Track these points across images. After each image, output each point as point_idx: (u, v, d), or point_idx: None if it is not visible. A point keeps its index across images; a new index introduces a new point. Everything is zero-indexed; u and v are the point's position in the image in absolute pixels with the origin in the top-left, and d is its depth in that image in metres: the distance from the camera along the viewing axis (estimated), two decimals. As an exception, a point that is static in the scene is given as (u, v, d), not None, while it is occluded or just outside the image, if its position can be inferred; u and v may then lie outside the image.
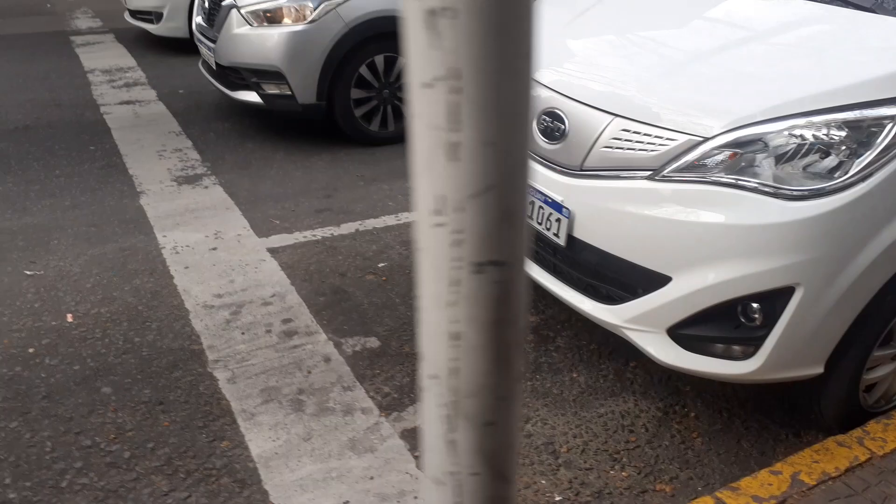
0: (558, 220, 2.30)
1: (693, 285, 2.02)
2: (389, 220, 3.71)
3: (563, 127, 2.30)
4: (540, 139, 2.39)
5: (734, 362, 2.08)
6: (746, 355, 2.07)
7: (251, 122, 5.09)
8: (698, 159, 2.00)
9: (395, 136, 4.71)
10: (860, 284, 1.95)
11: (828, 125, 1.90)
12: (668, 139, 2.04)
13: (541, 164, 2.38)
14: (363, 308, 2.98)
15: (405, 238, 3.53)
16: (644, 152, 2.08)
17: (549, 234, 2.34)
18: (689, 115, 2.03)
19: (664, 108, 2.09)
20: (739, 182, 1.95)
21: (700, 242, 2.00)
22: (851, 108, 1.88)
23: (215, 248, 3.39)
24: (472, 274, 0.68)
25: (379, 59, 4.49)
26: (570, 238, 2.28)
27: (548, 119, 2.35)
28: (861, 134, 1.88)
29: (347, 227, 3.64)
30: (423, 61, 0.61)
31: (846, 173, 1.87)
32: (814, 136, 1.91)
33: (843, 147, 1.89)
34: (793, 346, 2.01)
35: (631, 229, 2.12)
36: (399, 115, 4.69)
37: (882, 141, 1.86)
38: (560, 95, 2.33)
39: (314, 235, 3.56)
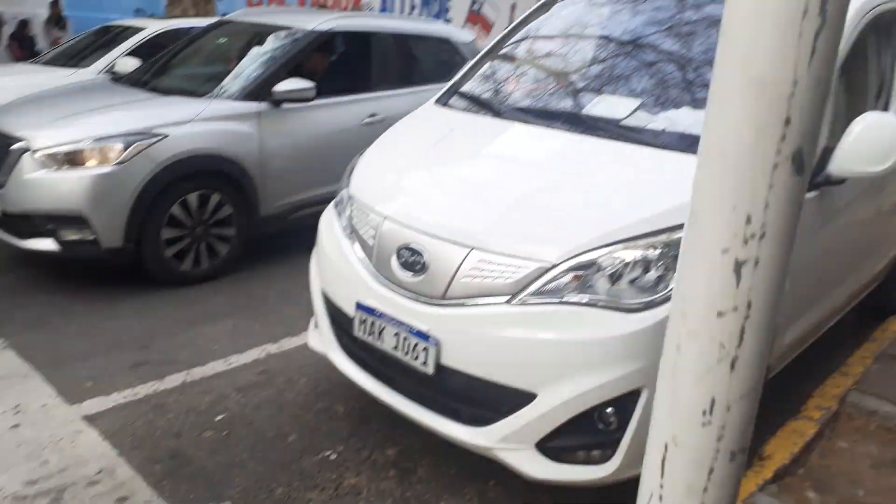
0: (425, 349, 2.36)
1: (556, 399, 2.16)
2: (219, 366, 3.50)
3: (422, 260, 2.40)
4: (401, 272, 2.47)
5: (596, 466, 2.23)
6: (605, 458, 2.22)
7: (41, 272, 4.60)
8: (547, 283, 2.20)
9: (208, 274, 4.53)
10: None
11: (646, 247, 2.20)
12: (520, 267, 2.23)
13: (404, 296, 2.46)
14: (208, 470, 2.74)
15: (240, 384, 3.34)
16: (501, 280, 2.25)
17: (417, 364, 2.39)
18: (537, 245, 2.25)
19: (515, 240, 2.29)
20: (584, 301, 2.17)
21: (558, 359, 2.16)
22: (663, 231, 2.20)
23: (17, 426, 2.95)
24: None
25: (192, 197, 4.36)
26: (439, 366, 2.34)
27: (407, 253, 2.45)
28: (673, 251, 2.20)
29: (173, 380, 3.37)
30: (722, 296, 0.91)
31: (668, 286, 2.17)
32: (637, 256, 2.19)
33: (661, 263, 2.20)
34: (643, 443, 2.21)
35: (496, 352, 2.24)
36: (213, 253, 4.54)
37: None
38: (418, 232, 2.45)
39: (136, 394, 3.24)
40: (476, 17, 24.05)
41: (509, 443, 2.27)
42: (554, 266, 2.20)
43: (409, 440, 2.95)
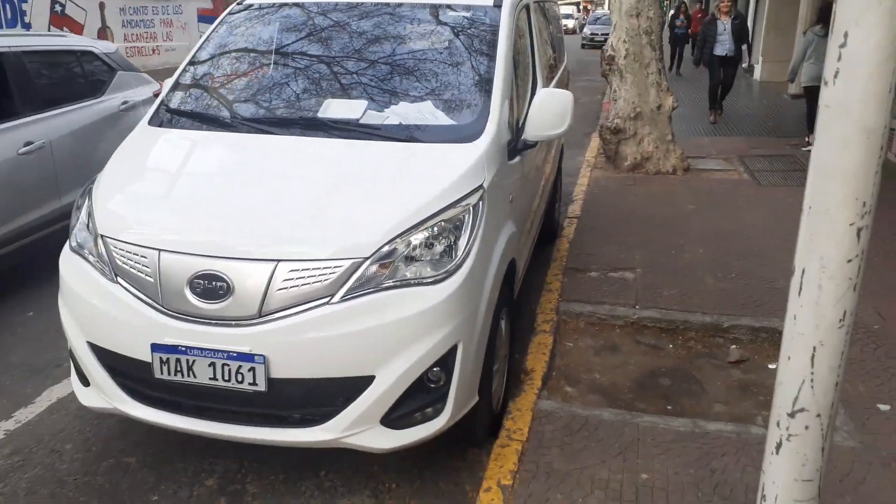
0: (251, 368, 2.36)
1: (393, 375, 2.39)
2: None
3: (224, 285, 2.37)
4: (198, 302, 2.40)
5: (432, 422, 2.54)
6: (438, 412, 2.55)
7: None
8: (361, 276, 2.39)
9: None
10: (485, 325, 2.66)
11: (429, 229, 2.52)
12: (336, 267, 2.37)
13: (208, 324, 2.40)
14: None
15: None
16: (319, 283, 2.36)
17: (244, 386, 2.38)
18: (344, 243, 2.41)
19: (321, 244, 2.41)
20: (395, 284, 2.42)
21: (388, 339, 2.39)
22: (438, 213, 2.53)
23: None
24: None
25: None
26: (270, 380, 2.38)
27: (203, 282, 2.39)
28: (453, 228, 2.56)
29: None
30: (850, 249, 1.37)
31: (456, 257, 2.53)
32: (424, 238, 2.50)
33: (443, 239, 2.54)
34: (465, 389, 2.59)
35: (328, 350, 2.36)
36: None
37: (466, 228, 2.59)
38: (214, 257, 2.39)
39: None
40: (61, 20, 21.44)
41: (356, 427, 2.43)
42: (366, 259, 2.40)
43: (223, 464, 2.90)
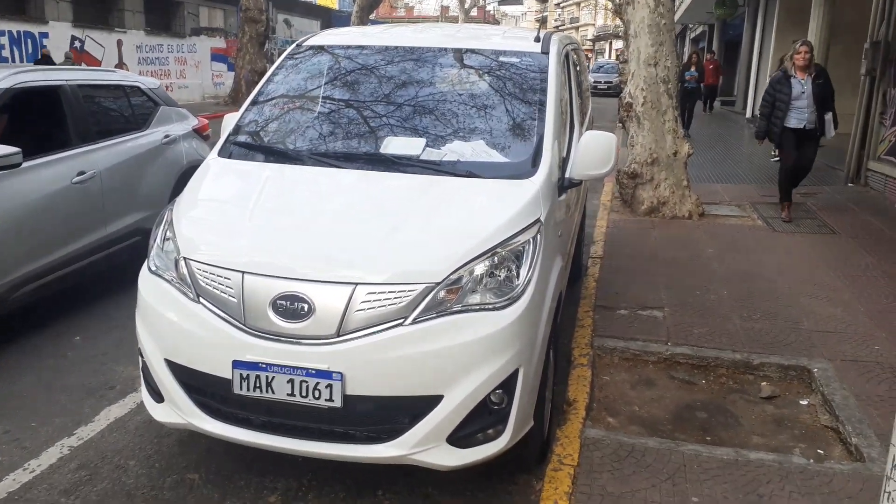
0: (329, 385, 2.50)
1: (461, 395, 2.53)
2: (22, 477, 3.01)
3: (306, 306, 2.53)
4: (279, 321, 2.55)
5: (494, 442, 2.67)
6: (498, 433, 2.68)
7: None
8: (431, 300, 2.55)
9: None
10: (542, 352, 2.81)
11: (492, 258, 2.69)
12: (408, 291, 2.53)
13: (287, 342, 2.55)
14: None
15: (63, 486, 2.95)
16: (393, 306, 2.52)
17: (321, 402, 2.51)
18: (416, 271, 2.58)
19: (395, 270, 2.58)
20: (462, 309, 2.58)
21: (456, 360, 2.53)
22: (499, 245, 2.70)
23: None
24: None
25: None
26: (346, 397, 2.52)
27: (286, 302, 2.55)
28: (514, 258, 2.74)
29: (-33, 511, 2.84)
30: None
31: (515, 285, 2.70)
32: (488, 267, 2.67)
33: (504, 268, 2.71)
34: (523, 412, 2.72)
35: (401, 370, 2.51)
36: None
37: (527, 258, 2.77)
38: (297, 280, 2.55)
39: (-71, 540, 2.67)
40: (80, 56, 22.03)
41: (423, 445, 2.57)
42: (437, 284, 2.56)
43: (284, 482, 3.02)
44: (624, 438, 3.18)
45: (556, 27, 73.26)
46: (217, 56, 27.23)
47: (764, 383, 3.89)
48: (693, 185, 8.16)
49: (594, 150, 3.39)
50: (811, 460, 3.09)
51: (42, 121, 5.02)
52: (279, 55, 4.85)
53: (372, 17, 30.04)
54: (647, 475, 2.89)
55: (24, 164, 4.32)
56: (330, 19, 36.72)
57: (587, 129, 5.32)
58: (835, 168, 10.89)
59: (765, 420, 3.56)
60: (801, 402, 3.71)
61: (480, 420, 2.63)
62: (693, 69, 15.98)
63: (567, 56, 4.28)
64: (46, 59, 19.00)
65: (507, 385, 2.63)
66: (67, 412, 3.58)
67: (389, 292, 2.54)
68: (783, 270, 5.74)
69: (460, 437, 2.60)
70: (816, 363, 3.90)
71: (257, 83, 3.86)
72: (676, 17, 18.98)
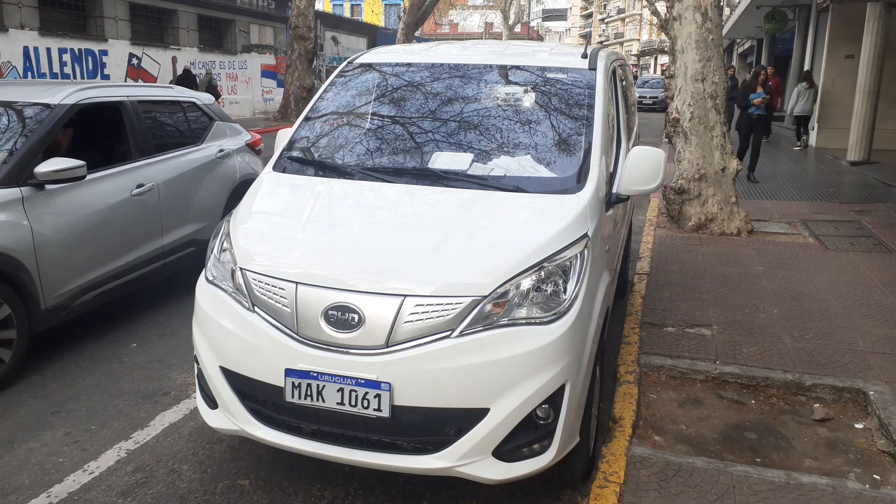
0: (377, 395, 2.55)
1: (507, 408, 2.55)
2: (82, 478, 3.14)
3: (356, 316, 2.59)
4: (331, 331, 2.61)
5: (540, 457, 2.68)
6: (544, 448, 2.69)
7: None
8: (478, 314, 2.58)
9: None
10: (588, 368, 2.81)
11: (539, 272, 2.71)
12: (456, 304, 2.57)
13: (338, 352, 2.61)
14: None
15: (121, 488, 3.06)
16: (441, 318, 2.56)
17: (369, 412, 2.56)
18: (466, 283, 2.61)
19: (443, 283, 2.62)
20: (509, 323, 2.60)
21: (503, 374, 2.55)
22: (545, 259, 2.72)
23: None
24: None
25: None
26: (394, 407, 2.56)
27: (337, 313, 2.61)
28: (561, 272, 2.75)
29: (31, 509, 2.96)
30: None
31: (562, 300, 2.71)
32: (535, 281, 2.69)
33: (551, 282, 2.72)
34: (569, 428, 2.72)
35: (448, 381, 2.54)
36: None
37: (574, 273, 2.78)
38: (348, 291, 2.62)
39: (-5, 536, 2.80)
40: (136, 72, 22.82)
41: (469, 457, 2.59)
42: (484, 297, 2.59)
43: (331, 490, 3.07)
44: (671, 457, 3.14)
45: (601, 42, 72.99)
46: (267, 72, 27.85)
47: (817, 405, 3.81)
48: (741, 201, 8.03)
49: (642, 166, 3.39)
50: (867, 485, 3.02)
51: (104, 135, 5.24)
52: (327, 72, 4.97)
53: (417, 34, 30.40)
54: (694, 495, 2.85)
55: (88, 177, 4.52)
56: (376, 36, 37.30)
57: (633, 145, 5.35)
58: (890, 185, 10.60)
59: (818, 443, 3.48)
60: (857, 426, 3.61)
61: (526, 434, 2.64)
62: (760, 89, 11.58)
63: (614, 72, 4.29)
64: (186, 75, 20.20)
65: (554, 400, 2.64)
66: (124, 416, 3.71)
67: (437, 305, 2.58)
68: (836, 289, 5.60)
69: (506, 450, 2.62)
70: (873, 386, 3.79)
71: (306, 99, 3.98)
72: (724, 32, 18.68)
